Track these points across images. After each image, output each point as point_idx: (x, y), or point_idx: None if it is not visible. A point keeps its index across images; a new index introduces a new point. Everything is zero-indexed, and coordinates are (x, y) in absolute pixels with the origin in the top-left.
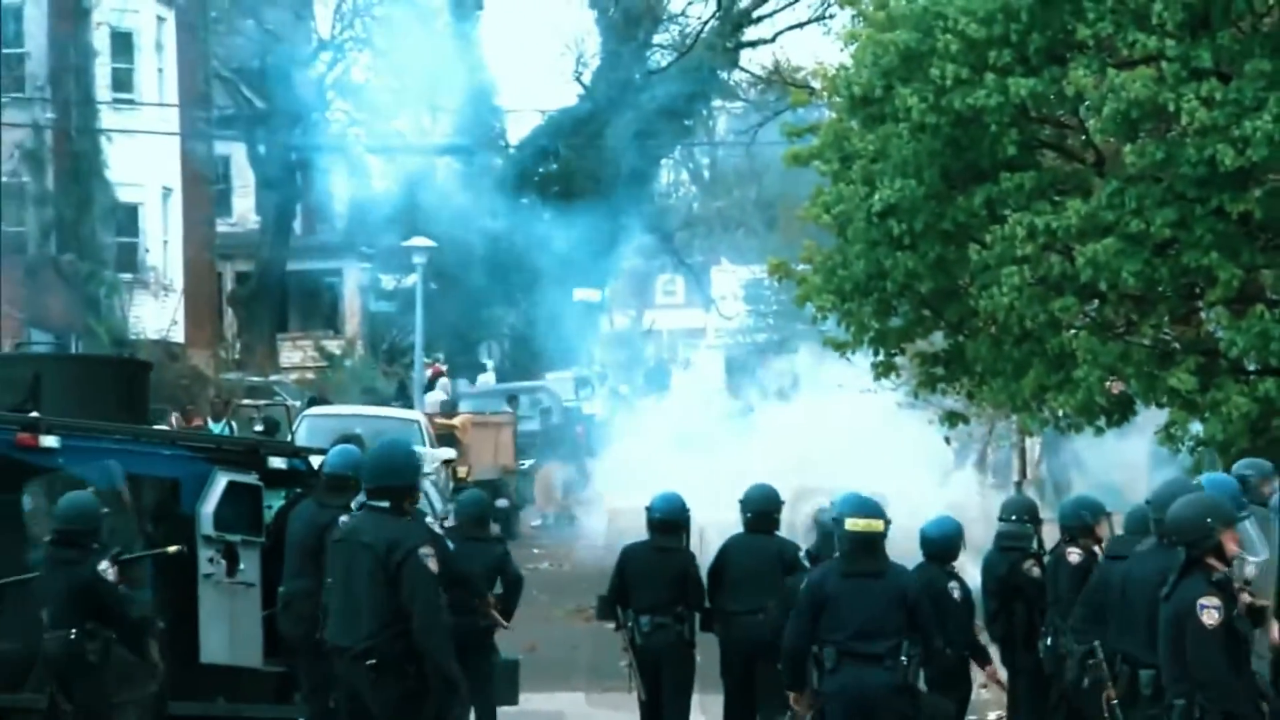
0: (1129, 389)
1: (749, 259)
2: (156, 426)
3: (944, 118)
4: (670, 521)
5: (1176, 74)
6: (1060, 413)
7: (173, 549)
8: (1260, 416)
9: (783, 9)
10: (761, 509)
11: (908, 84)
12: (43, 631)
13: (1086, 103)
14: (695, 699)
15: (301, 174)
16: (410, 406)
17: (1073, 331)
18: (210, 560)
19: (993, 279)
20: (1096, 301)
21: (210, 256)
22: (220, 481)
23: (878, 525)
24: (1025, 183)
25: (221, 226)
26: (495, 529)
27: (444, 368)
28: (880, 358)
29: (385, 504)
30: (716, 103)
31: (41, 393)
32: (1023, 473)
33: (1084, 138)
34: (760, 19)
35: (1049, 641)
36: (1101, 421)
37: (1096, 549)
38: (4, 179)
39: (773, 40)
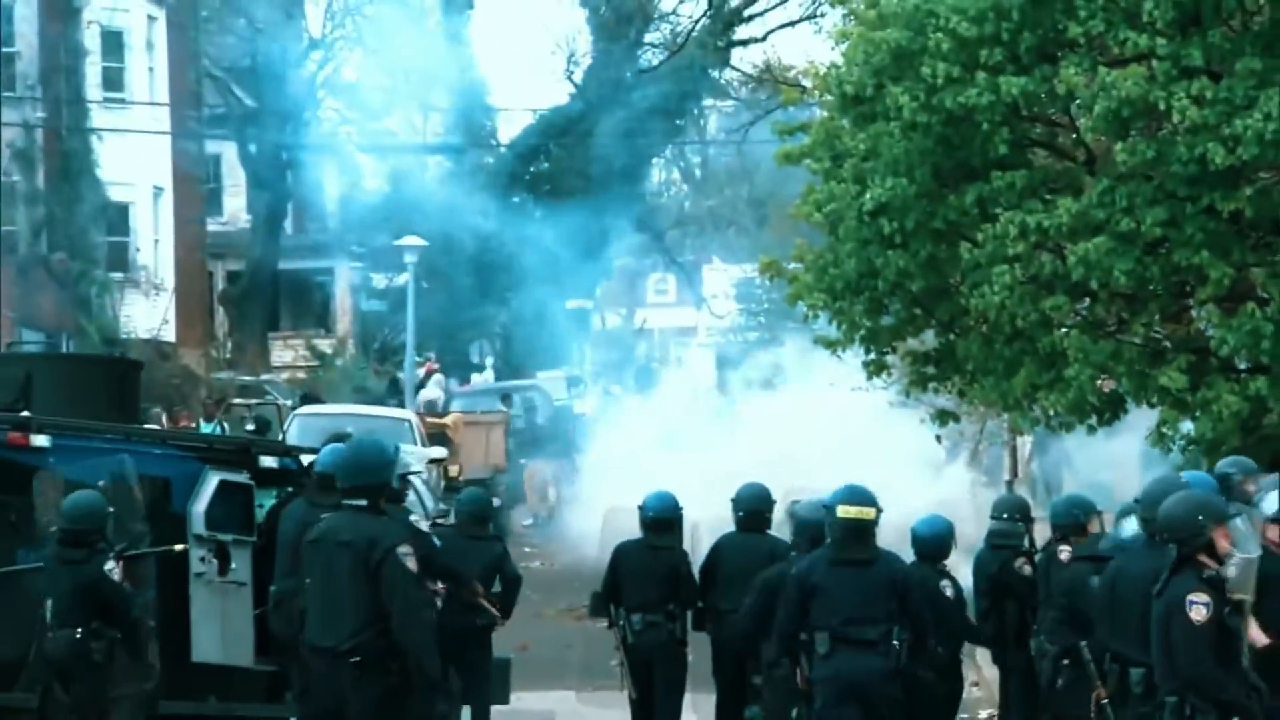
0: (1120, 388)
1: (740, 257)
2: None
3: (935, 116)
4: (663, 520)
5: (1167, 72)
6: (1051, 411)
7: (179, 547)
8: (1251, 415)
9: (774, 8)
10: (753, 508)
11: (899, 82)
12: (41, 630)
13: (1077, 101)
14: (687, 698)
15: (292, 173)
16: (402, 405)
17: (1064, 330)
18: (202, 559)
19: (984, 277)
20: (1088, 300)
21: (201, 255)
22: (212, 481)
23: (869, 513)
24: (1016, 181)
25: (212, 225)
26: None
27: (436, 365)
28: (871, 356)
29: (362, 502)
30: (708, 101)
31: (32, 392)
32: (1014, 471)
33: (1075, 136)
34: (751, 18)
35: (1041, 640)
36: (1093, 420)
37: None
38: None
39: (764, 39)
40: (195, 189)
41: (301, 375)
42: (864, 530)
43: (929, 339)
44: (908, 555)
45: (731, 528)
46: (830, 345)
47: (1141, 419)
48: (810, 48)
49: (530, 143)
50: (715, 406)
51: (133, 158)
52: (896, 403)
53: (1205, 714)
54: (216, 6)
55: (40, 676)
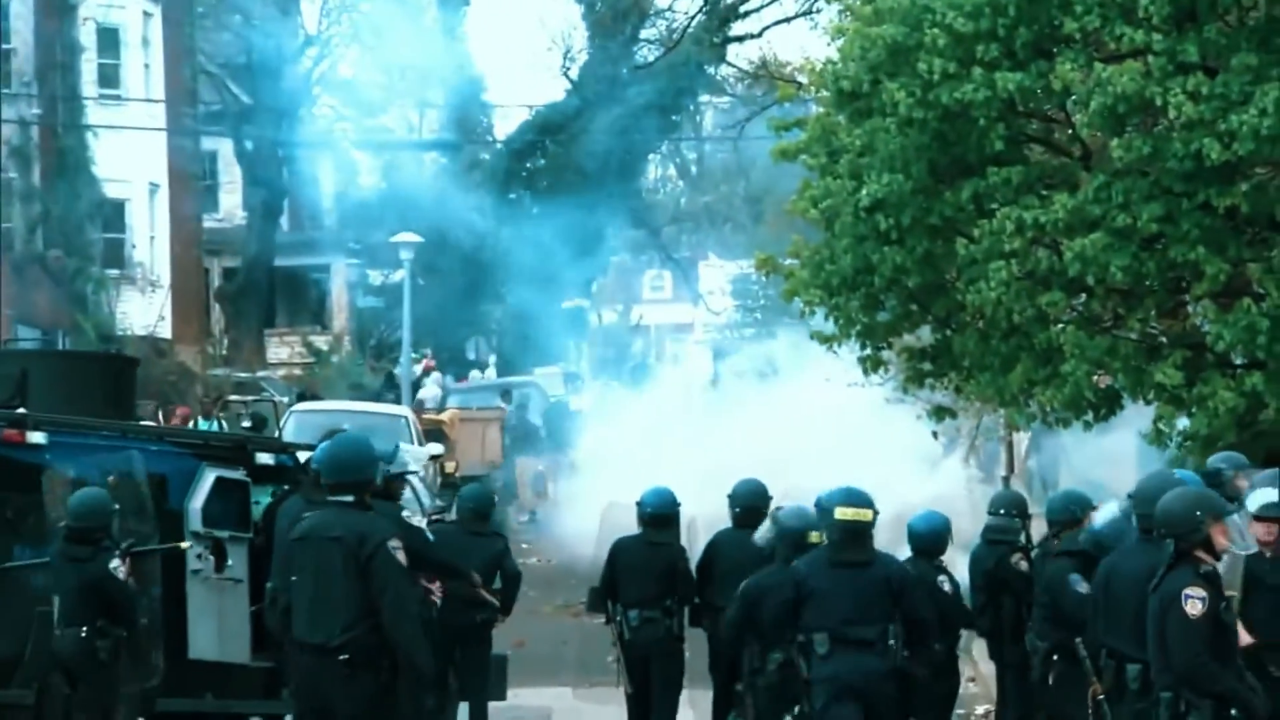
0: (1116, 383)
1: (736, 254)
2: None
3: (931, 112)
4: (662, 516)
5: (1163, 68)
6: (1048, 407)
7: (185, 544)
8: (1247, 411)
9: (769, 4)
10: (750, 504)
11: (895, 78)
12: (39, 627)
13: (1073, 97)
14: (684, 694)
15: (288, 169)
16: (399, 401)
17: (1060, 326)
18: (199, 556)
19: (980, 273)
20: (1084, 296)
21: (197, 252)
22: (208, 477)
23: (866, 515)
24: (1012, 177)
25: (208, 222)
26: None
27: (433, 363)
28: (868, 352)
29: (349, 498)
30: (704, 97)
31: (29, 388)
32: (1010, 467)
33: (1071, 132)
34: (747, 14)
35: (1032, 636)
36: (1089, 416)
37: None
38: None
39: (759, 35)
40: (191, 186)
41: (298, 372)
42: (861, 532)
43: (925, 335)
44: (904, 551)
45: (728, 524)
46: (826, 341)
47: (1138, 415)
48: (806, 44)
49: (526, 139)
50: (711, 402)
51: (128, 154)
52: (893, 399)
53: (1199, 709)
54: (212, 3)
55: (36, 673)
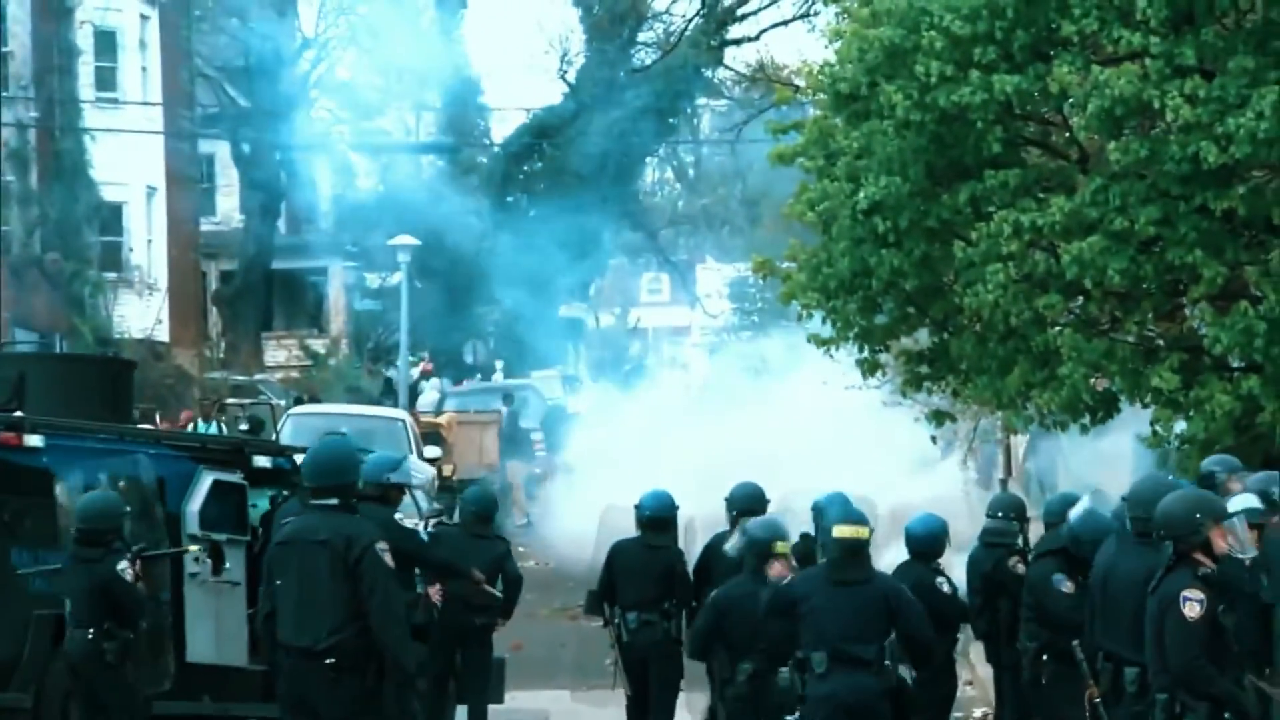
0: (1114, 386)
1: (734, 257)
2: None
3: (928, 115)
4: (659, 519)
5: (1160, 71)
6: (1045, 410)
7: (194, 549)
8: (1243, 414)
9: (767, 6)
10: (747, 507)
11: (892, 81)
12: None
13: (1071, 100)
14: (682, 697)
15: (286, 172)
16: (396, 404)
17: (1057, 328)
18: (196, 559)
19: (977, 276)
20: (1081, 298)
21: (194, 255)
22: (205, 480)
23: (863, 532)
24: (1010, 180)
25: (206, 225)
26: None
27: (431, 366)
28: (865, 355)
29: (333, 501)
30: (701, 100)
31: (26, 392)
32: (1008, 470)
33: (1068, 135)
34: (744, 17)
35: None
36: (1086, 419)
37: None
38: None
39: (757, 38)
40: (188, 188)
41: (295, 375)
42: (859, 549)
43: (923, 338)
44: (902, 553)
45: (725, 526)
46: (824, 344)
47: (1133, 418)
48: (804, 46)
49: (523, 142)
50: (708, 405)
51: (126, 157)
52: (891, 402)
53: (1195, 711)
54: (209, 6)
55: (34, 676)
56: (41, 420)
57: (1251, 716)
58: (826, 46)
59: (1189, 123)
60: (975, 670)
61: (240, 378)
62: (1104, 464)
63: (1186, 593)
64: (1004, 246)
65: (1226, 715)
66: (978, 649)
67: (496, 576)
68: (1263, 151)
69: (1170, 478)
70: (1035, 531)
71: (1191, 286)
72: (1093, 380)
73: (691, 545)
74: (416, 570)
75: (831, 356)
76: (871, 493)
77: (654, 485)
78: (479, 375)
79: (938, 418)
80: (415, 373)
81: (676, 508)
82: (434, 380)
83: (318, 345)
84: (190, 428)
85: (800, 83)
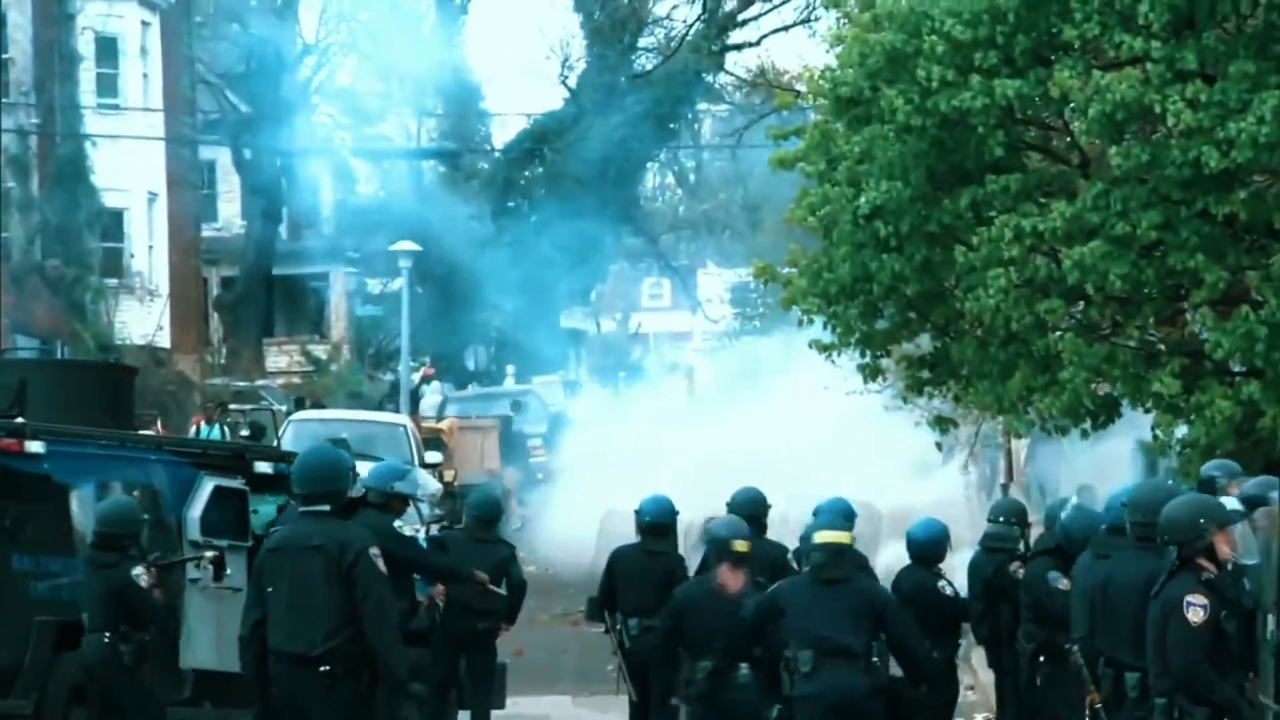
0: (1115, 391)
1: (735, 262)
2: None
3: (929, 119)
4: (660, 524)
5: (1162, 75)
6: (1046, 415)
7: (209, 554)
8: (1244, 419)
9: (768, 12)
10: (749, 512)
11: (893, 85)
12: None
13: (1072, 104)
14: None
15: (287, 178)
16: (397, 409)
17: (1059, 333)
18: (197, 565)
19: (979, 281)
20: (1082, 303)
21: (195, 261)
22: (206, 486)
23: (844, 537)
24: (1011, 185)
25: (207, 231)
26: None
27: (433, 370)
28: (866, 360)
29: (325, 508)
30: (702, 106)
31: (27, 398)
32: (1009, 475)
33: (1069, 140)
34: (745, 22)
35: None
36: (1087, 423)
37: None
38: None
39: (758, 43)
40: (190, 195)
41: (296, 381)
42: (842, 552)
43: (924, 343)
44: (902, 554)
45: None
46: (825, 349)
47: (1130, 423)
48: (805, 52)
49: (524, 147)
50: (709, 409)
51: (127, 164)
52: (892, 406)
53: (1194, 716)
54: (210, 12)
55: (35, 683)
56: (43, 426)
57: None
58: (828, 51)
59: (1190, 127)
60: (977, 675)
61: (242, 383)
62: (1104, 468)
63: (1190, 597)
64: (1005, 251)
65: None
66: (979, 654)
67: (500, 581)
68: (1264, 156)
69: (1170, 482)
70: (1037, 536)
71: (1193, 291)
72: (1094, 385)
73: (692, 551)
74: (416, 577)
75: (833, 362)
76: (873, 497)
77: (653, 490)
78: (476, 382)
79: (940, 423)
80: (416, 377)
81: (677, 513)
82: (435, 384)
83: (319, 351)
84: (192, 431)
85: (801, 88)
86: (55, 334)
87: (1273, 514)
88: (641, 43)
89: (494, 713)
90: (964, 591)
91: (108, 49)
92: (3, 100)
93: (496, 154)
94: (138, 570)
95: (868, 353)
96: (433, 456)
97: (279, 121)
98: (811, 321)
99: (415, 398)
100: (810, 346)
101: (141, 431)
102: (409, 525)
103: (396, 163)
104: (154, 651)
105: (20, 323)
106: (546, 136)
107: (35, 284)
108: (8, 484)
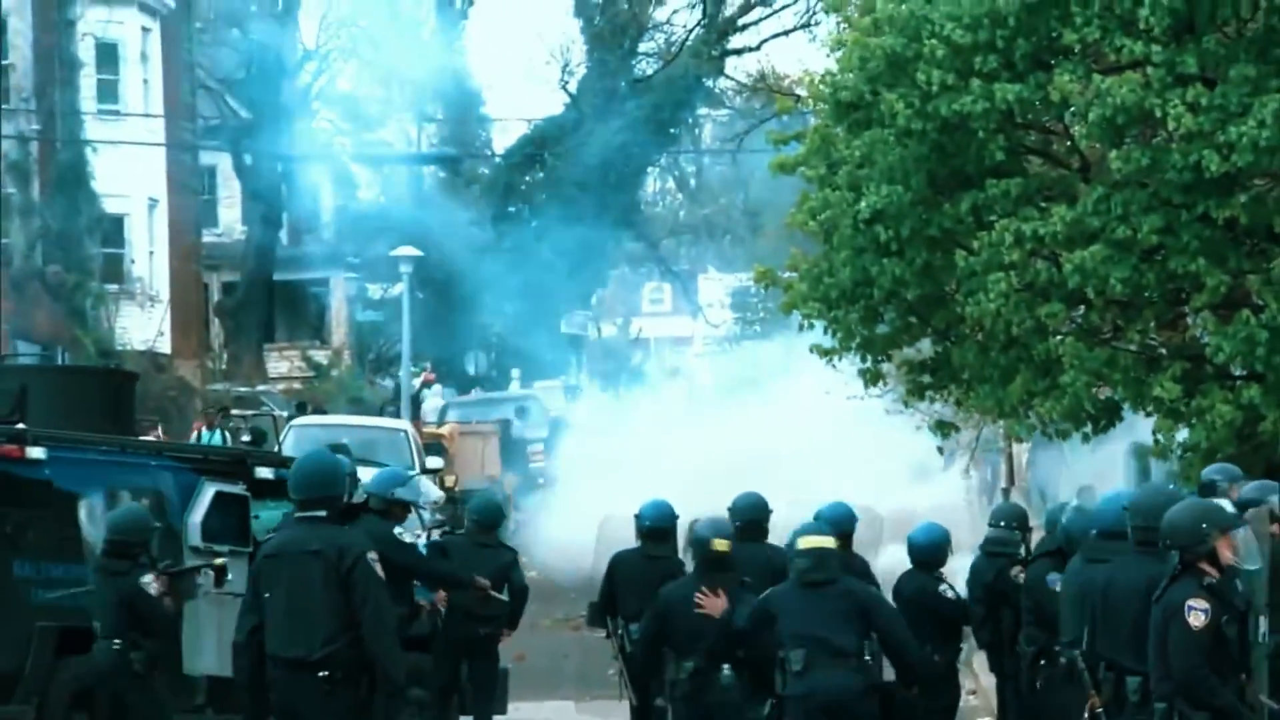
0: (1116, 395)
1: (735, 267)
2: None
3: (930, 123)
4: (660, 529)
5: (1162, 79)
6: (1047, 419)
7: (219, 561)
8: (1245, 423)
9: (768, 17)
10: (751, 517)
11: (894, 89)
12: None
13: (1072, 108)
14: None
15: (287, 184)
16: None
17: (1059, 337)
18: (204, 573)
19: (979, 285)
20: (1083, 307)
21: (196, 267)
22: (207, 492)
23: (828, 542)
24: (1011, 189)
25: (207, 237)
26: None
27: (434, 375)
28: (867, 365)
29: (322, 513)
30: (702, 110)
31: (28, 404)
32: (1010, 479)
33: (1069, 144)
34: (745, 27)
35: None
36: (1088, 427)
37: None
38: None
39: (758, 48)
40: (190, 200)
41: (298, 386)
42: (826, 556)
43: (925, 347)
44: (903, 556)
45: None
46: (826, 354)
47: (1128, 428)
48: (805, 56)
49: (525, 152)
50: (709, 414)
51: (128, 170)
52: (893, 410)
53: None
54: (210, 18)
55: (36, 688)
56: (44, 432)
57: None
58: (828, 56)
59: (1190, 131)
60: (979, 680)
61: (243, 389)
62: (1104, 473)
63: (1191, 602)
64: (1006, 255)
65: None
66: (981, 658)
67: (502, 586)
68: (1264, 160)
69: (1171, 486)
70: (1038, 541)
71: (1193, 295)
72: (1095, 389)
73: (685, 553)
74: (415, 583)
75: (834, 367)
76: (874, 501)
77: (653, 495)
78: (479, 387)
79: (941, 428)
80: (417, 383)
81: (676, 517)
82: (437, 388)
83: (320, 356)
84: (193, 436)
85: (801, 92)
86: (56, 340)
87: (1262, 514)
88: (642, 48)
89: (496, 718)
90: (965, 595)
91: (108, 55)
92: (3, 106)
93: (497, 159)
94: (147, 578)
95: (868, 358)
96: (434, 462)
97: (279, 127)
98: (812, 326)
99: (416, 403)
100: (811, 351)
101: (142, 437)
102: (409, 531)
103: (397, 168)
104: (170, 663)
105: (21, 329)
106: (547, 142)
107: (36, 290)
108: (9, 490)
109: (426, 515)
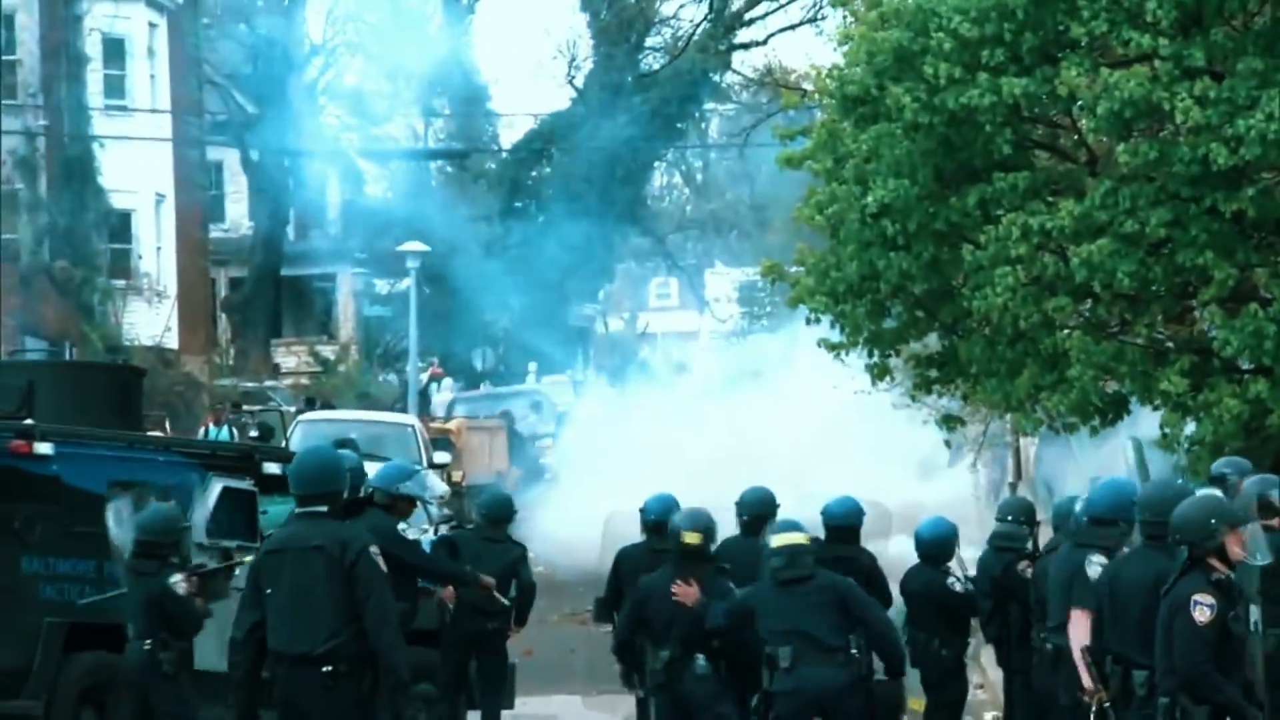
0: (1123, 388)
1: (742, 261)
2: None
3: (937, 117)
4: (665, 523)
5: (1170, 73)
6: (1054, 413)
7: (248, 559)
8: (1252, 417)
9: (774, 11)
10: (758, 512)
11: (900, 83)
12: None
13: (1080, 102)
14: None
15: (294, 179)
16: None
17: (1066, 331)
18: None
19: (986, 279)
20: (1090, 301)
21: (203, 262)
22: (215, 488)
23: (800, 538)
24: (1019, 183)
25: (215, 232)
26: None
27: (441, 370)
28: (875, 360)
29: (323, 509)
30: (709, 105)
31: (36, 400)
32: (1018, 473)
33: (1077, 138)
34: (752, 21)
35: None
36: (1096, 421)
37: None
38: None
39: (765, 42)
40: (197, 196)
41: (305, 381)
42: (799, 553)
43: (932, 342)
44: (909, 549)
45: (734, 530)
46: (833, 349)
47: (1130, 422)
48: (812, 50)
49: (532, 147)
50: (715, 408)
51: (135, 165)
52: (900, 404)
53: (1194, 716)
54: (217, 13)
55: (45, 684)
56: (51, 428)
57: None
58: (835, 50)
59: (1198, 124)
60: (986, 674)
61: (250, 384)
62: (1110, 467)
63: (1198, 597)
64: (1013, 249)
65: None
66: (988, 653)
67: (510, 582)
68: (1272, 153)
69: (1180, 481)
70: (1045, 536)
71: (1201, 289)
72: (1102, 383)
73: None
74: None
75: (842, 361)
76: (881, 496)
77: (658, 489)
78: (488, 381)
79: (948, 422)
80: (424, 377)
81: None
82: (447, 381)
83: (327, 351)
84: (201, 432)
85: (808, 86)
86: (63, 335)
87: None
88: (648, 42)
89: (504, 713)
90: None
91: (115, 50)
92: (11, 102)
93: (504, 154)
94: (175, 578)
95: (875, 352)
96: (441, 457)
97: (286, 122)
98: (819, 320)
99: (425, 398)
100: (819, 346)
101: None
102: (416, 527)
103: (404, 163)
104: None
105: (28, 324)
106: (553, 136)
107: (43, 285)
108: (16, 485)
109: (434, 510)
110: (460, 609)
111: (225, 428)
